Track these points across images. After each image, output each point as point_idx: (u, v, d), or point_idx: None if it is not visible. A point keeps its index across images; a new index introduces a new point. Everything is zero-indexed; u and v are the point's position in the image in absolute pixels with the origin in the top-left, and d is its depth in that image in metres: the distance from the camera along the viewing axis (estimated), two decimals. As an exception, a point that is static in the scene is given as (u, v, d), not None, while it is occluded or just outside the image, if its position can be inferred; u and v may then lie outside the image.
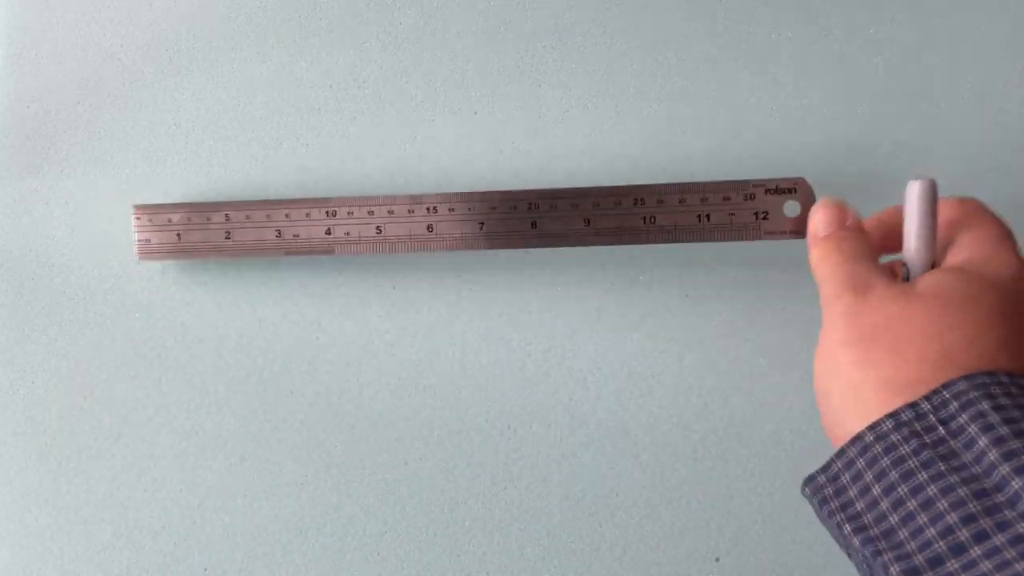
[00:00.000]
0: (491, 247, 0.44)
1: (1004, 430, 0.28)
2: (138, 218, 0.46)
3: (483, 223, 0.44)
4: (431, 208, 0.45)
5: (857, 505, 0.30)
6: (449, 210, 0.45)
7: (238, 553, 0.44)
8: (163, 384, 0.45)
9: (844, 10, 0.47)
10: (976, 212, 0.36)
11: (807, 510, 0.44)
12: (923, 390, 0.30)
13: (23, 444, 0.45)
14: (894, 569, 0.28)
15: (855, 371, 0.32)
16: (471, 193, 0.44)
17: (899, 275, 0.35)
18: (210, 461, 0.45)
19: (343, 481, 0.44)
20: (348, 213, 0.45)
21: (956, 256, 0.34)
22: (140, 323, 0.45)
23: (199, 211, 0.45)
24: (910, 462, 0.29)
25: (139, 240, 0.45)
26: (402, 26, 0.47)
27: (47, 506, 0.44)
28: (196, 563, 0.44)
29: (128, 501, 0.44)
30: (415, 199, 0.45)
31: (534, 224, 0.44)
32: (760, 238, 0.43)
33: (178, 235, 0.45)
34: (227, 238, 0.45)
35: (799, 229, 0.42)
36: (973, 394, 0.29)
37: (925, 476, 0.29)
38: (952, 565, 0.27)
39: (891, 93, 0.46)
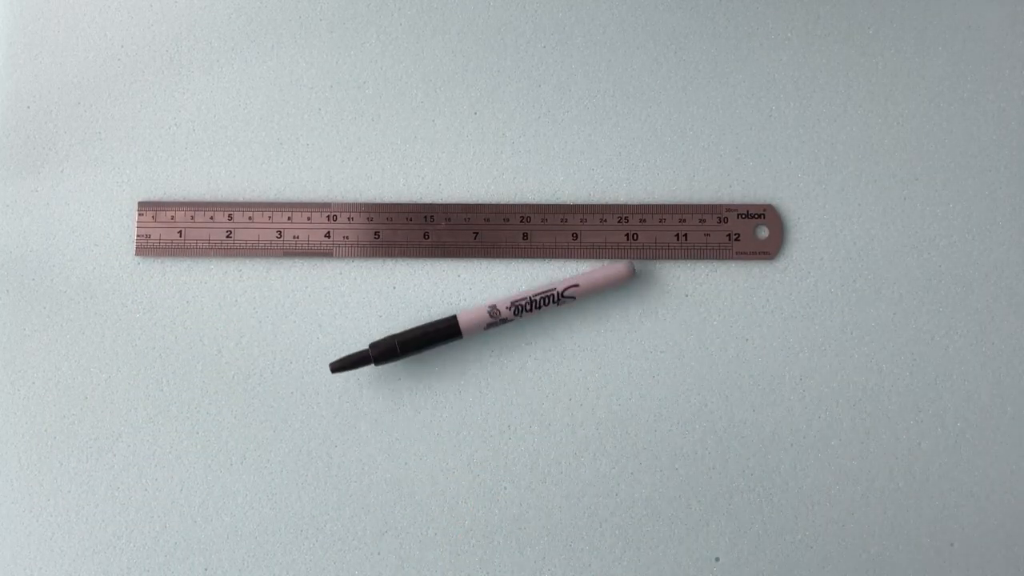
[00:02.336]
0: (485, 256, 0.45)
1: None
2: (141, 214, 0.46)
3: (477, 233, 0.45)
4: (428, 217, 0.45)
5: None
6: (446, 220, 0.45)
7: (238, 553, 0.44)
8: (163, 384, 0.45)
9: (844, 10, 0.47)
10: None
11: (807, 510, 0.44)
12: None
13: (23, 444, 0.45)
14: None
15: None
16: (467, 205, 0.45)
17: None
18: (210, 461, 0.44)
19: (343, 481, 0.44)
20: (348, 219, 0.45)
21: None
22: (141, 323, 0.45)
23: (203, 209, 0.46)
24: None
25: (139, 236, 0.46)
26: (402, 26, 0.47)
27: (47, 506, 0.44)
28: (196, 563, 0.44)
29: (128, 501, 0.44)
30: (414, 208, 0.45)
31: (525, 236, 0.45)
32: (732, 258, 0.45)
33: (180, 232, 0.45)
34: (228, 237, 0.45)
35: (769, 250, 0.45)
36: None
37: None
38: None
39: (890, 93, 0.46)
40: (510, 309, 0.44)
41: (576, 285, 0.44)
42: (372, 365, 0.44)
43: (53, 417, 0.45)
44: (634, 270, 0.44)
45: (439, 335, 0.44)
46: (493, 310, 0.43)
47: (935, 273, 0.45)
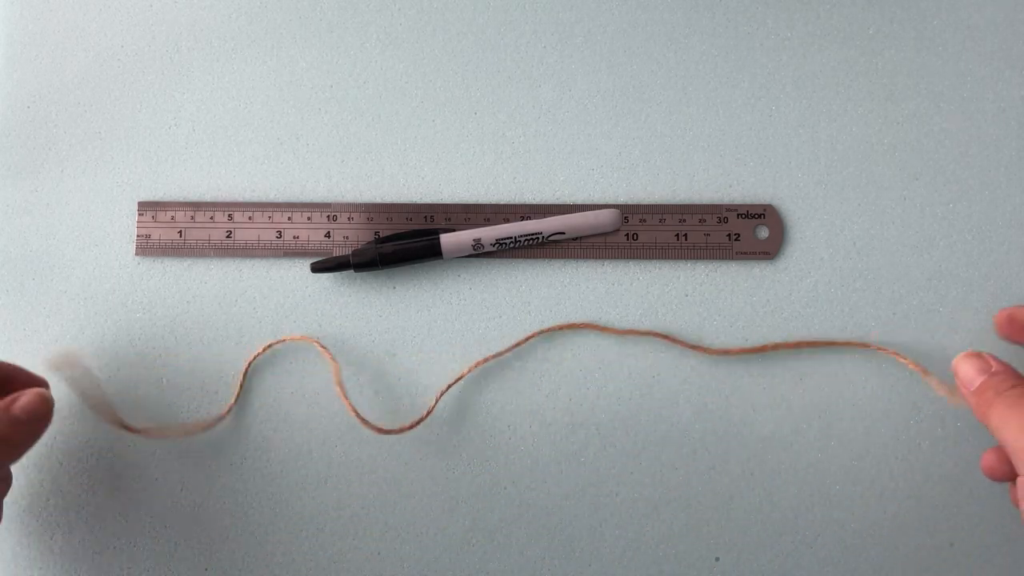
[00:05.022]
0: (485, 255, 0.45)
1: None
2: (141, 214, 0.46)
3: None
4: (428, 217, 0.45)
5: None
6: (446, 219, 0.45)
7: (238, 553, 0.44)
8: (163, 383, 0.45)
9: (844, 10, 0.47)
10: None
11: (806, 510, 0.44)
12: None
13: (23, 444, 0.45)
14: None
15: None
16: (467, 205, 0.46)
17: None
18: (210, 460, 0.45)
19: (343, 480, 0.44)
20: (348, 218, 0.45)
21: None
22: (141, 322, 0.45)
23: (203, 209, 0.46)
24: None
25: (139, 236, 0.46)
26: (402, 26, 0.47)
27: (47, 506, 0.44)
28: (196, 563, 0.44)
29: (128, 500, 0.44)
30: (414, 208, 0.45)
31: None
32: (733, 259, 0.45)
33: (180, 233, 0.46)
34: (228, 237, 0.45)
35: (769, 250, 0.45)
36: None
37: None
38: None
39: (889, 93, 0.46)
40: (494, 245, 0.45)
41: (562, 232, 0.45)
42: (352, 271, 0.45)
43: (53, 417, 0.45)
44: (623, 218, 0.45)
45: (421, 252, 0.45)
46: (477, 243, 0.44)
47: (935, 273, 0.45)
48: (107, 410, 0.43)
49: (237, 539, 0.44)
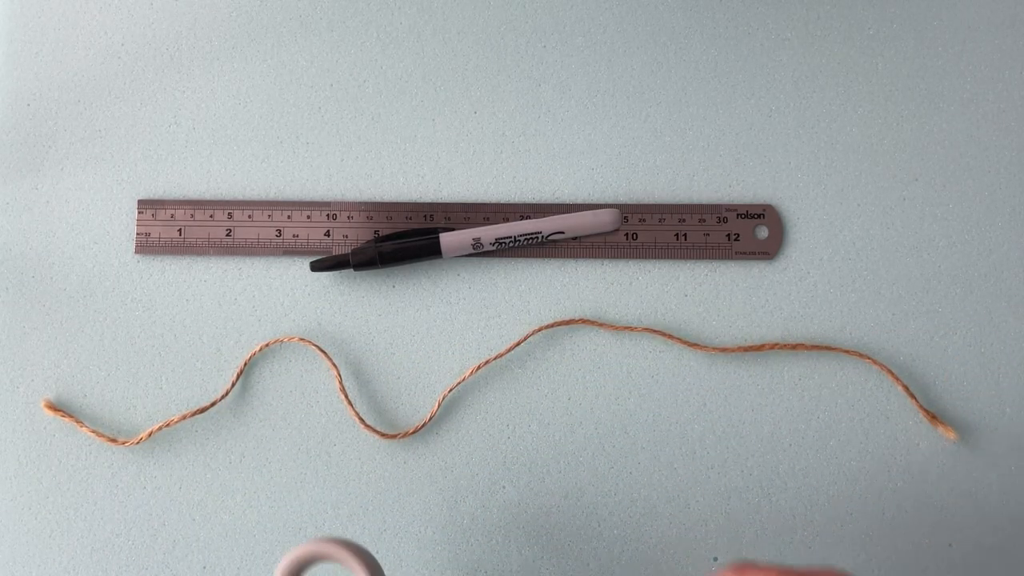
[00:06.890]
0: (485, 255, 0.45)
1: None
2: (141, 212, 0.46)
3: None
4: (428, 216, 0.45)
5: None
6: (445, 219, 0.45)
7: (237, 552, 0.44)
8: (163, 382, 0.45)
9: (844, 10, 0.47)
10: None
11: (805, 510, 0.44)
12: None
13: (23, 443, 0.45)
14: None
15: None
16: (467, 204, 0.46)
17: None
18: (209, 459, 0.44)
19: (341, 480, 0.44)
20: (348, 217, 0.45)
21: None
22: (140, 321, 0.45)
23: (202, 207, 0.46)
24: None
25: (139, 234, 0.46)
26: (402, 26, 0.47)
27: (46, 504, 0.44)
28: (195, 561, 0.44)
29: (127, 499, 0.44)
30: (413, 207, 0.45)
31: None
32: (732, 258, 0.45)
33: (180, 231, 0.46)
34: (228, 235, 0.45)
35: (769, 250, 0.45)
36: None
37: None
38: None
39: (890, 93, 0.46)
40: (493, 244, 0.44)
41: (562, 231, 0.44)
42: (351, 270, 0.45)
43: (53, 416, 0.45)
44: (623, 217, 0.45)
45: (420, 251, 0.45)
46: (476, 242, 0.44)
47: (935, 273, 0.45)
48: None
49: (236, 539, 0.44)
